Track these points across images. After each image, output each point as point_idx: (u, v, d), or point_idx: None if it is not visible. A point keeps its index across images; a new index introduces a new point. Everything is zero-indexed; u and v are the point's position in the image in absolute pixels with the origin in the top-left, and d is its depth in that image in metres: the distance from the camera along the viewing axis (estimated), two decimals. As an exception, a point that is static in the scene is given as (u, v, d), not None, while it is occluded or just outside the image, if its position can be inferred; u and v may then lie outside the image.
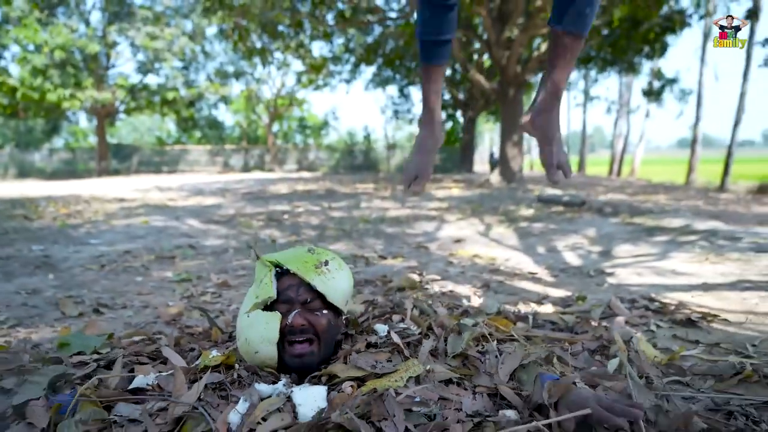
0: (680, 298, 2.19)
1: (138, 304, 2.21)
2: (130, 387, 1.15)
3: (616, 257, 3.16)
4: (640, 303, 2.04)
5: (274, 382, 1.15)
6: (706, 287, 2.37)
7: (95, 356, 1.39)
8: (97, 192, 10.29)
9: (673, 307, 1.98)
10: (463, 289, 2.39)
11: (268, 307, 1.18)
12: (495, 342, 1.34)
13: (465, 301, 2.02)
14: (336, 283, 1.20)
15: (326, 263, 1.21)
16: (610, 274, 2.68)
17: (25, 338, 1.75)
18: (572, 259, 3.15)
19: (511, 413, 1.06)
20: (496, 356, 1.25)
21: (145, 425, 1.02)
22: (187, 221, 5.24)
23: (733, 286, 2.36)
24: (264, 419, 1.01)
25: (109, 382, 1.17)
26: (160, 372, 1.23)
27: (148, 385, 1.15)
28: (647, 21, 9.52)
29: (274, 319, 1.15)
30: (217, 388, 1.13)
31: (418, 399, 1.05)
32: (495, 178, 12.02)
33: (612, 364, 1.31)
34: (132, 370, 1.25)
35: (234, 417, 1.02)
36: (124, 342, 1.57)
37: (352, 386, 1.10)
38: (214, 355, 1.26)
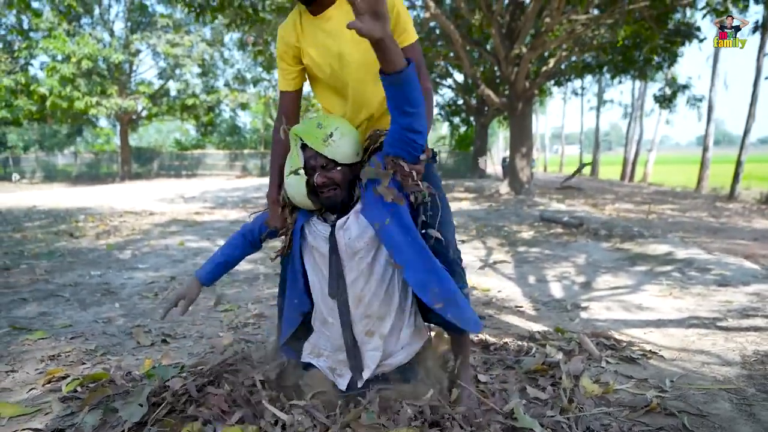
0: (634, 334, 2.67)
1: (195, 334, 2.76)
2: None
3: (594, 289, 3.63)
4: (597, 340, 2.52)
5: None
6: (659, 323, 2.84)
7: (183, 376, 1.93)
8: (127, 203, 10.97)
9: (624, 344, 2.47)
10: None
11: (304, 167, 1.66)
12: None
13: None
14: (341, 148, 1.62)
15: (331, 135, 1.61)
16: (584, 309, 3.16)
17: (117, 365, 2.30)
18: (556, 290, 3.63)
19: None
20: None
21: None
22: (219, 242, 5.82)
23: (681, 322, 2.83)
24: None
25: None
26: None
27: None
28: (649, 42, 9.87)
29: (301, 180, 1.65)
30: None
31: None
32: (504, 188, 12.45)
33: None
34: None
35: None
36: (191, 371, 2.11)
37: None
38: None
